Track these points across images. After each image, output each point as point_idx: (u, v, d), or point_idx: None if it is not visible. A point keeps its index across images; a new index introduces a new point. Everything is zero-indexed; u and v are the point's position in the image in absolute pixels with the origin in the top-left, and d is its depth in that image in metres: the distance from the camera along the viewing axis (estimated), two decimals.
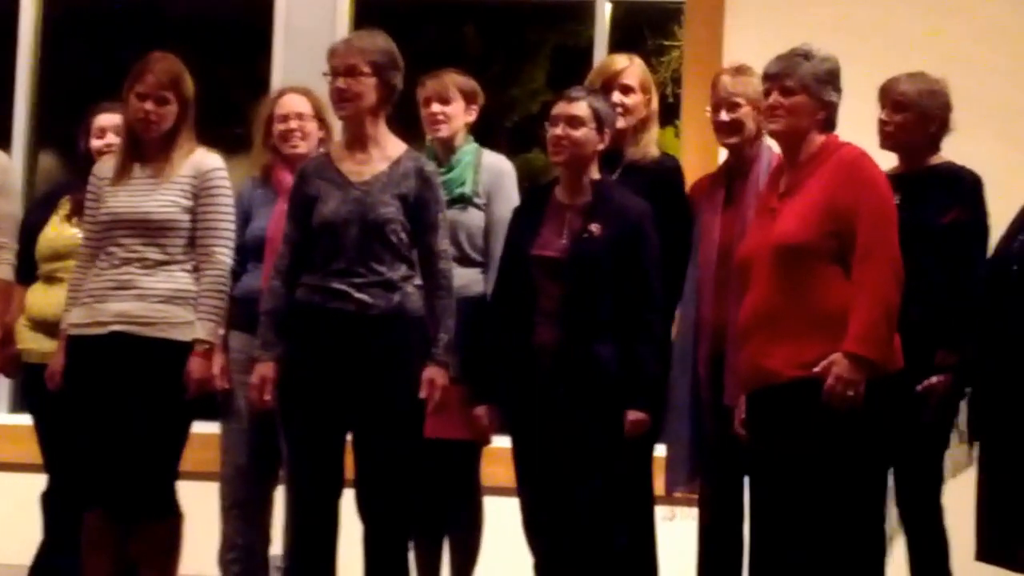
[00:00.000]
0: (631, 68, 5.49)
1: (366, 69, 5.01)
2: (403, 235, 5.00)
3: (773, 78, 4.76)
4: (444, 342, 4.99)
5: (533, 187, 5.43)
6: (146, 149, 5.19)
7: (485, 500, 5.71)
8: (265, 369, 5.01)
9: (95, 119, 5.76)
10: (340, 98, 5.04)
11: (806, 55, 4.76)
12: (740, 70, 5.24)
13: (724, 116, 5.21)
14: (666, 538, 5.26)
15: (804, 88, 4.73)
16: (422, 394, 4.94)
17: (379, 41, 5.08)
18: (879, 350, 4.53)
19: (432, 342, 4.99)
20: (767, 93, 4.78)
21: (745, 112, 5.20)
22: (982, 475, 4.77)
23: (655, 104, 5.50)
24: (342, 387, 4.94)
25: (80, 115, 5.87)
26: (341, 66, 5.02)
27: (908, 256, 4.61)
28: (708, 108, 5.30)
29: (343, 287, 4.94)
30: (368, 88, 5.02)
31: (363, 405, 4.94)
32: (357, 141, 5.09)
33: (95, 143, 5.73)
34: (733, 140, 5.21)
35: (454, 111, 5.67)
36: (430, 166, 5.15)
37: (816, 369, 4.53)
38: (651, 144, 5.44)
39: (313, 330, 4.97)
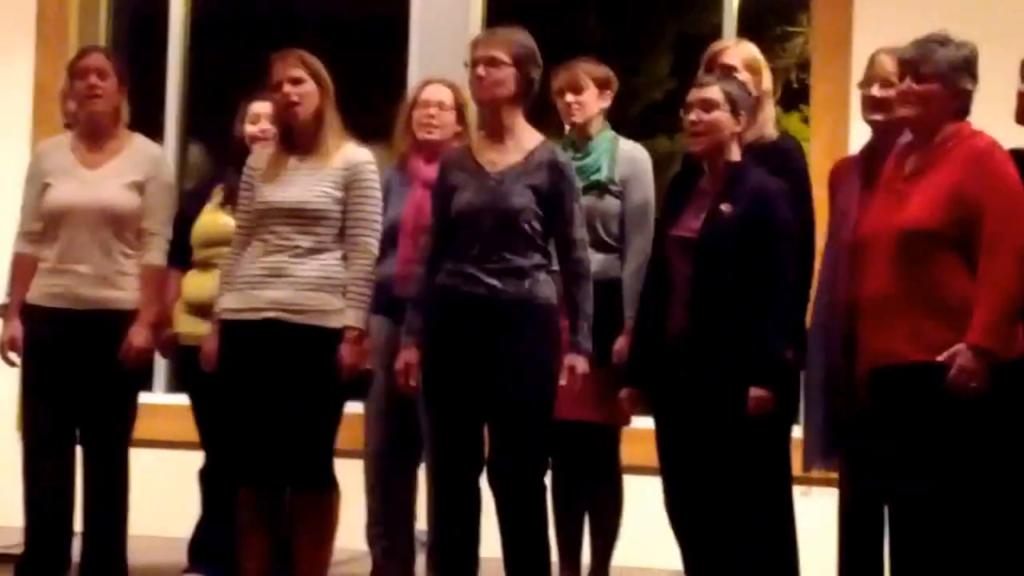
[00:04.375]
0: (733, 48, 5.48)
1: (506, 60, 5.08)
2: (536, 224, 5.06)
3: (908, 64, 4.73)
4: (584, 329, 5.05)
5: (680, 172, 5.47)
6: (298, 139, 5.31)
7: (625, 480, 5.78)
8: (410, 355, 5.13)
9: (250, 106, 5.88)
10: (479, 86, 5.13)
11: (942, 41, 4.74)
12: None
13: (876, 91, 5.11)
14: (802, 514, 5.28)
15: (938, 76, 4.70)
16: (562, 381, 5.02)
17: (520, 36, 5.16)
18: (1002, 342, 4.55)
19: (572, 329, 5.05)
20: (901, 78, 4.75)
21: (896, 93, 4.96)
22: None
23: (767, 84, 5.46)
24: (477, 368, 5.03)
25: (226, 109, 6.01)
26: (483, 55, 5.11)
27: None
28: (859, 83, 5.23)
29: (476, 272, 5.04)
30: (507, 78, 5.09)
31: (495, 387, 5.02)
32: (495, 132, 5.16)
33: (249, 129, 5.85)
34: (878, 117, 5.13)
35: (587, 99, 5.75)
36: (563, 157, 5.19)
37: (940, 358, 4.57)
38: (767, 124, 5.40)
39: (449, 314, 5.07)
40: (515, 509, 5.03)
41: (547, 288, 5.08)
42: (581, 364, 5.04)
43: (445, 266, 5.11)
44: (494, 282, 5.02)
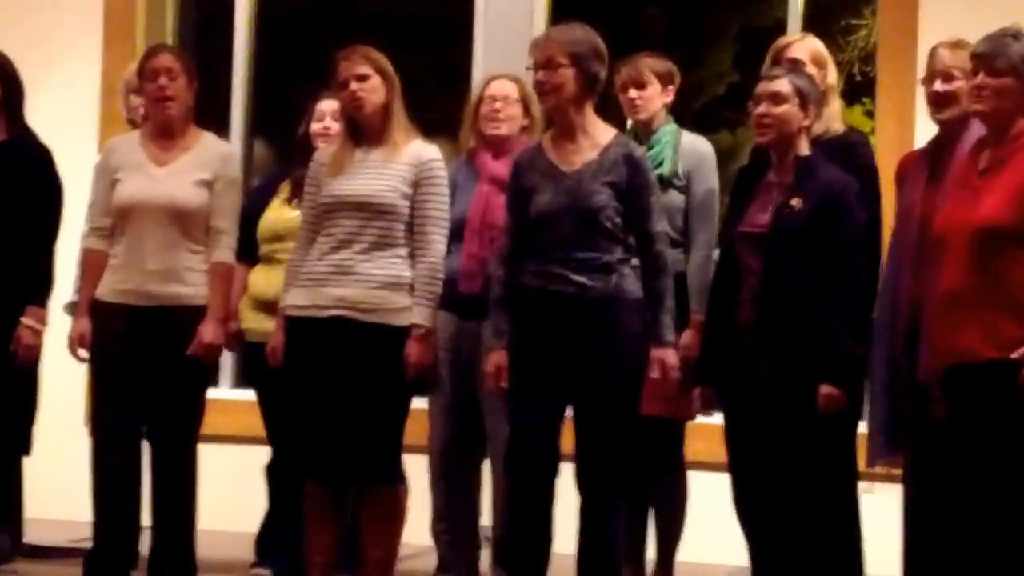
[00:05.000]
0: (799, 43, 5.46)
1: (564, 61, 5.06)
2: (617, 219, 5.06)
3: (981, 58, 4.71)
4: (667, 323, 5.06)
5: (747, 166, 5.46)
6: (365, 133, 5.32)
7: (690, 476, 5.78)
8: (499, 357, 5.13)
9: (317, 104, 5.91)
10: (541, 90, 5.13)
11: (1015, 35, 4.71)
12: (958, 44, 5.08)
13: (938, 87, 5.07)
14: (867, 511, 5.27)
15: (1012, 70, 4.68)
16: (653, 375, 5.02)
17: (577, 33, 5.13)
18: None
19: (655, 324, 5.05)
20: (974, 72, 4.72)
21: (959, 86, 5.02)
22: None
23: (832, 78, 5.44)
24: (563, 367, 5.03)
25: (292, 105, 6.05)
26: (540, 59, 5.10)
27: None
28: (922, 79, 5.19)
29: (563, 271, 5.03)
30: (567, 79, 5.07)
31: (584, 384, 5.02)
32: (565, 131, 5.14)
33: (314, 126, 5.88)
34: (945, 113, 5.09)
35: (650, 94, 5.74)
36: (639, 151, 5.19)
37: (1014, 355, 4.54)
38: (833, 119, 5.37)
39: (535, 312, 5.07)
40: (598, 506, 5.04)
41: (633, 282, 5.08)
42: (670, 357, 5.05)
43: (528, 267, 5.11)
44: (582, 279, 5.03)
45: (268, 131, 8.11)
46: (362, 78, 5.27)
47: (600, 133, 5.16)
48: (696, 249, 5.65)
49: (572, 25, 5.21)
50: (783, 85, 5.09)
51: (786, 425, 4.98)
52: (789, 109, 5.07)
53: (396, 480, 5.26)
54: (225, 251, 5.58)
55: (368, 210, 5.24)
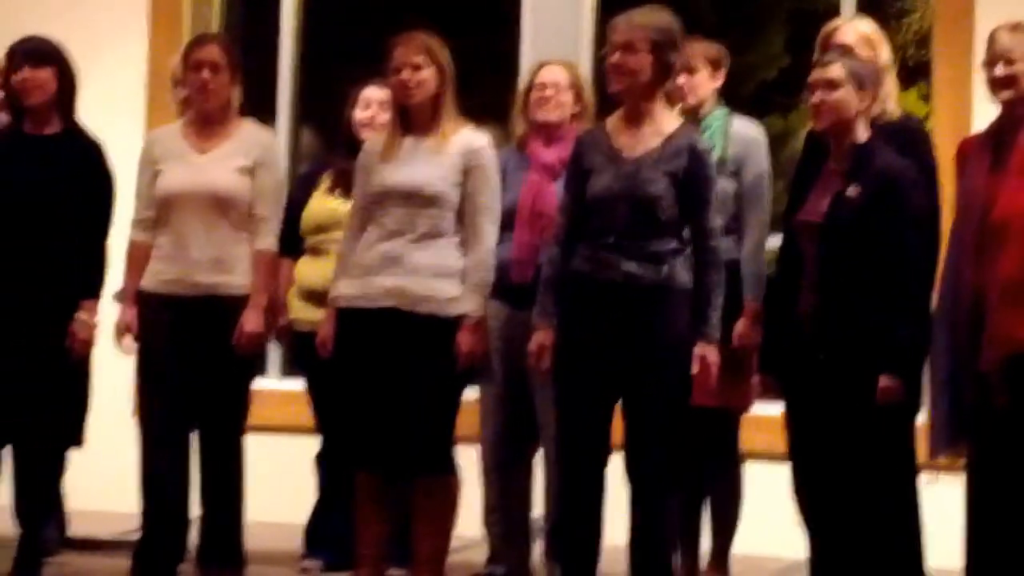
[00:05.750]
0: (845, 26, 5.42)
1: (643, 46, 5.02)
2: (673, 210, 5.02)
3: None
4: (713, 319, 5.01)
5: (806, 153, 5.40)
6: (414, 121, 5.28)
7: (746, 467, 5.75)
8: (544, 337, 5.09)
9: (362, 92, 5.89)
10: (616, 72, 5.07)
11: None
12: (1018, 27, 5.08)
13: (999, 71, 5.05)
14: (928, 502, 5.22)
15: None
16: (694, 370, 4.98)
17: (660, 19, 5.08)
18: None
19: (701, 319, 5.00)
20: None
21: (1020, 68, 5.02)
22: None
23: (885, 58, 5.38)
24: (612, 355, 4.99)
25: (339, 93, 6.00)
26: (619, 41, 5.05)
27: None
28: (982, 62, 5.16)
29: (613, 258, 5.00)
30: (644, 65, 5.02)
31: (633, 373, 4.99)
32: (632, 116, 5.10)
33: (359, 115, 5.86)
34: (1006, 95, 5.06)
35: (699, 80, 5.70)
36: (703, 143, 5.14)
37: None
38: (888, 99, 5.31)
39: (585, 299, 5.04)
40: (648, 498, 5.01)
41: (684, 273, 5.03)
42: (712, 354, 5.00)
43: (580, 250, 5.07)
44: (631, 268, 4.98)
45: (315, 119, 8.08)
46: (416, 67, 5.23)
47: (666, 121, 5.12)
48: (748, 236, 5.61)
49: (655, 9, 5.15)
50: (836, 71, 5.04)
51: (845, 414, 4.95)
52: (845, 94, 5.02)
53: (448, 471, 5.23)
54: (268, 239, 5.55)
55: (418, 200, 5.21)
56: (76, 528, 6.27)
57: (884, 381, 4.90)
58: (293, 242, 5.82)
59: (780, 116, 9.08)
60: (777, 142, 7.14)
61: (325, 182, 5.90)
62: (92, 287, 5.54)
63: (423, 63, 5.23)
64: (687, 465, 5.57)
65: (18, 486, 5.51)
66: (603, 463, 5.05)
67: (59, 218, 5.50)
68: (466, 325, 5.18)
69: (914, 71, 8.35)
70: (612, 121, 5.18)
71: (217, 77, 5.52)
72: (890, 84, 5.38)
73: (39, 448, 5.51)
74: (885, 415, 4.93)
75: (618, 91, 5.11)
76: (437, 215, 5.22)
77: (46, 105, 5.55)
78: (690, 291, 5.02)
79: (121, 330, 5.55)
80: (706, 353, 4.99)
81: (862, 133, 5.07)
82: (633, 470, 5.02)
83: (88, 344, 5.52)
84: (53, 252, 5.47)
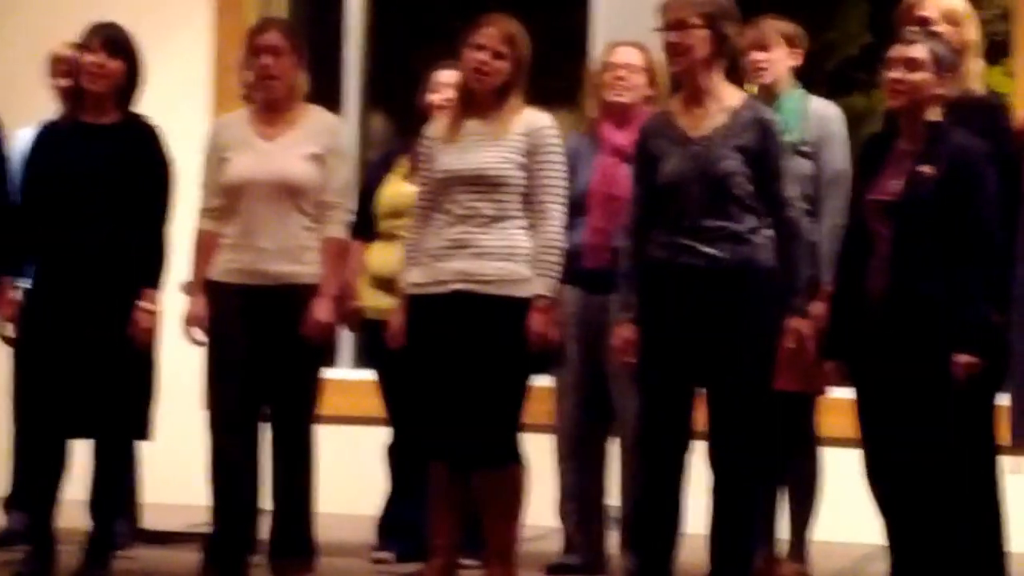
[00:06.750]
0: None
1: (697, 22, 4.97)
2: (748, 186, 4.96)
3: None
4: (801, 292, 4.96)
5: (874, 134, 5.29)
6: (479, 105, 5.24)
7: (825, 452, 5.67)
8: (627, 331, 5.05)
9: (434, 74, 5.86)
10: (672, 52, 5.02)
11: None
12: None
13: None
14: (1013, 491, 5.13)
15: None
16: (788, 344, 4.93)
17: None
18: None
19: (790, 292, 4.96)
20: None
21: None
22: None
23: (969, 35, 5.25)
24: (695, 343, 4.94)
25: (410, 75, 5.99)
26: (672, 20, 5.00)
27: None
28: None
29: (691, 242, 4.94)
30: (700, 41, 4.98)
31: (717, 360, 4.94)
32: (693, 95, 5.05)
33: (431, 97, 5.83)
34: None
35: (775, 56, 5.62)
36: (769, 114, 5.09)
37: None
38: (970, 79, 5.20)
39: (664, 286, 4.98)
40: (732, 487, 4.97)
41: (766, 251, 4.98)
42: (806, 327, 4.96)
43: (656, 238, 5.02)
44: (712, 251, 4.94)
45: (385, 103, 8.04)
46: (496, 54, 5.19)
47: (729, 96, 5.06)
48: (827, 217, 5.51)
49: None
50: (920, 51, 4.94)
51: (921, 395, 4.86)
52: (925, 76, 4.93)
53: (513, 461, 5.17)
54: (337, 226, 5.50)
55: (483, 184, 5.16)
56: (148, 521, 6.27)
57: (962, 357, 4.81)
58: (366, 227, 5.78)
59: (863, 94, 8.98)
60: (860, 121, 7.06)
61: (403, 166, 5.87)
62: (153, 276, 5.51)
63: (503, 52, 5.19)
64: (769, 452, 5.52)
65: (91, 480, 5.52)
66: (684, 452, 5.01)
67: (119, 207, 5.47)
68: (537, 307, 5.13)
69: (999, 47, 8.19)
70: (674, 103, 5.13)
71: (280, 62, 5.48)
72: (974, 63, 5.25)
73: (106, 442, 5.51)
74: (963, 395, 4.84)
75: (677, 72, 5.05)
76: (503, 198, 5.16)
77: (107, 95, 5.53)
78: (773, 270, 4.96)
79: (191, 320, 5.51)
80: (800, 327, 4.94)
81: (935, 113, 4.97)
82: (717, 458, 4.98)
83: (150, 334, 5.50)
84: (114, 242, 5.46)
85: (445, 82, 5.78)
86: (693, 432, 5.02)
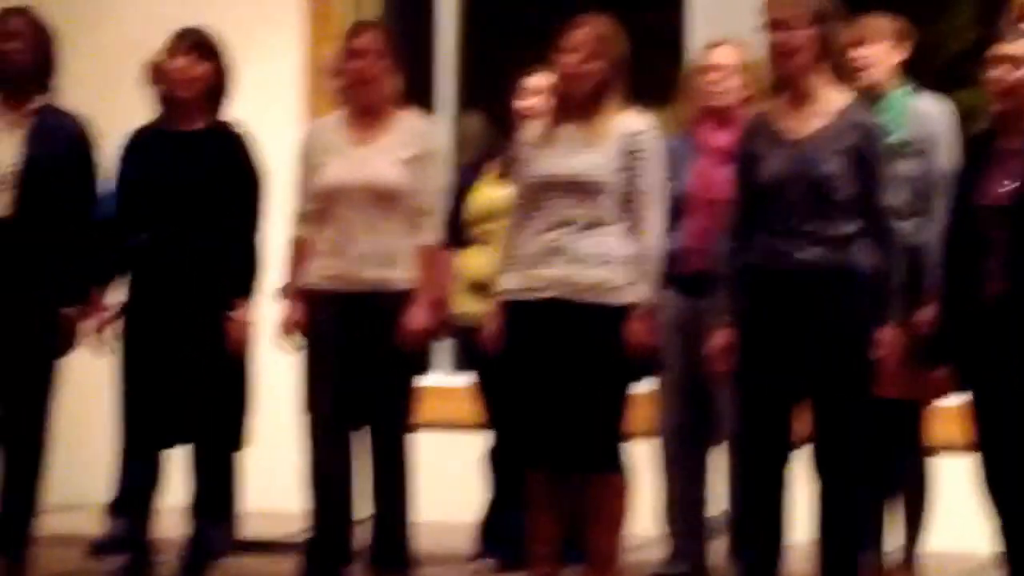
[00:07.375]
0: None
1: (802, 21, 4.89)
2: (849, 190, 4.89)
3: None
4: (892, 302, 4.89)
5: (976, 135, 5.22)
6: (575, 109, 5.18)
7: (936, 460, 5.60)
8: (724, 336, 5.00)
9: (523, 80, 5.83)
10: (777, 53, 4.95)
11: None
12: None
13: None
14: None
15: None
16: (880, 354, 4.86)
17: None
18: None
19: (883, 301, 4.89)
20: None
21: None
22: None
23: None
24: (796, 348, 4.88)
25: (503, 78, 5.94)
26: (777, 19, 4.92)
27: None
28: None
29: (789, 248, 4.88)
30: (804, 41, 4.91)
31: (820, 366, 4.88)
32: (797, 96, 4.98)
33: (519, 104, 5.81)
34: None
35: (877, 52, 5.54)
36: (874, 119, 5.02)
37: None
38: None
39: (764, 291, 4.93)
40: (838, 495, 4.91)
41: (867, 256, 4.91)
42: (897, 337, 4.88)
43: (756, 241, 4.97)
44: (812, 255, 4.87)
45: (479, 106, 8.00)
46: (587, 57, 5.12)
47: (833, 98, 4.99)
48: (936, 221, 5.38)
49: None
50: (1022, 48, 4.87)
51: None
52: None
53: (615, 469, 5.13)
54: (432, 232, 5.48)
55: (579, 188, 5.11)
56: (247, 529, 6.27)
57: None
58: (456, 232, 5.76)
59: (972, 90, 8.83)
60: (970, 117, 6.92)
61: (494, 170, 5.83)
62: (245, 285, 5.53)
63: (594, 53, 5.12)
64: (874, 460, 5.42)
65: (190, 488, 5.57)
66: (786, 460, 4.96)
67: (209, 216, 5.49)
68: (635, 315, 5.07)
69: None
70: (776, 104, 5.06)
71: (374, 66, 5.46)
72: None
73: (202, 450, 5.53)
74: None
75: (781, 71, 4.97)
76: (599, 203, 5.10)
77: (196, 100, 5.55)
78: (876, 275, 4.90)
79: (287, 327, 5.50)
80: (890, 337, 4.86)
81: None
82: (824, 465, 4.91)
83: (243, 344, 5.50)
84: (205, 252, 5.47)
85: (533, 88, 5.77)
86: (794, 439, 4.95)
